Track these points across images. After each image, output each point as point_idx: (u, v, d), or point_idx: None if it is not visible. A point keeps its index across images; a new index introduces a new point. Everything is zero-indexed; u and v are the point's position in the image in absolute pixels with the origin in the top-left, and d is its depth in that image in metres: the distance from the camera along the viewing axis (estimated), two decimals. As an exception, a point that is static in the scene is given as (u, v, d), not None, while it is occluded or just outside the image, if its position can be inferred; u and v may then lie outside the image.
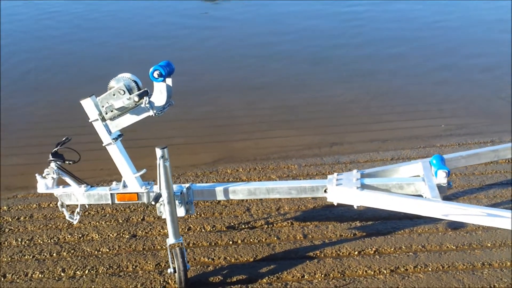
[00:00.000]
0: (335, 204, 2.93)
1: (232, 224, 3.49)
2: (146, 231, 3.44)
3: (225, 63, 7.01)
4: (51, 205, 3.82)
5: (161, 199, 2.77)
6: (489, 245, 3.21)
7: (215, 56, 7.29)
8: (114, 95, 2.68)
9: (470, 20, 8.72)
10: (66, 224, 3.55)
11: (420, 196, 2.88)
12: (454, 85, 5.90)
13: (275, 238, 3.32)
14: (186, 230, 3.43)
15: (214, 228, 3.45)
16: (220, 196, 2.96)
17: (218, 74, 6.61)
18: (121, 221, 3.57)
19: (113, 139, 2.81)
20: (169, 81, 2.68)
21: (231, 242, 3.30)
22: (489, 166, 4.04)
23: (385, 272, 3.00)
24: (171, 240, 2.83)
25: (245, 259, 3.14)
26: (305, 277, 2.97)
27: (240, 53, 7.40)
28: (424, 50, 7.22)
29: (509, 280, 2.91)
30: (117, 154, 2.83)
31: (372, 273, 3.00)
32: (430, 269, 3.02)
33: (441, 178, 2.82)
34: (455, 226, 3.36)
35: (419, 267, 3.04)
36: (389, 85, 5.97)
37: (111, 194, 2.93)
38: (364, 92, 5.81)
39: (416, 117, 5.10)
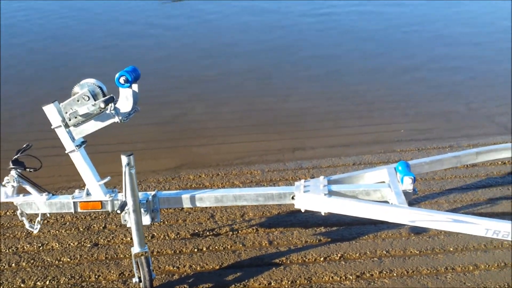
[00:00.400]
0: (303, 211, 2.93)
1: (197, 231, 3.44)
2: (109, 239, 3.36)
3: (186, 65, 6.94)
4: (7, 213, 3.69)
5: (126, 208, 2.71)
6: (451, 249, 3.26)
7: (176, 59, 7.20)
8: (78, 101, 2.61)
9: (439, 20, 8.87)
10: (24, 233, 3.44)
11: (387, 202, 2.91)
12: (414, 90, 5.98)
13: (241, 245, 3.30)
14: (149, 238, 3.37)
15: (178, 236, 3.40)
16: (187, 204, 2.91)
17: (179, 77, 6.53)
18: (82, 229, 3.48)
19: (77, 146, 2.73)
20: (135, 87, 2.62)
21: (196, 250, 3.25)
22: (449, 171, 4.11)
23: (351, 278, 3.01)
24: (136, 249, 2.77)
25: (211, 266, 3.10)
26: (272, 284, 2.95)
27: (201, 55, 7.34)
28: (387, 54, 7.31)
29: (472, 284, 2.96)
30: (81, 162, 2.76)
31: (339, 279, 3.00)
32: (395, 274, 3.05)
33: (407, 184, 2.85)
34: (418, 231, 3.40)
35: (384, 272, 3.06)
36: (350, 89, 6.01)
37: (74, 202, 2.84)
38: (325, 96, 5.84)
39: (376, 122, 5.16)
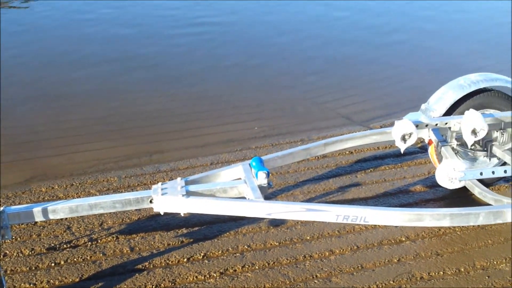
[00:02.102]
0: (162, 214, 2.91)
1: (53, 244, 3.29)
2: (-46, 263, 3.12)
3: (20, 72, 6.57)
4: None
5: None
6: (308, 238, 3.41)
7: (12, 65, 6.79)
8: None
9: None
10: None
11: (244, 198, 2.98)
12: (263, 89, 6.15)
13: (101, 255, 3.21)
14: (1, 256, 3.17)
15: (33, 251, 3.23)
16: (39, 217, 2.78)
17: (16, 84, 6.16)
18: None
19: None
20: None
21: (53, 264, 3.11)
22: (302, 164, 4.29)
23: (215, 275, 3.05)
24: (-14, 270, 2.59)
25: (70, 280, 2.99)
26: (136, 291, 2.91)
27: (40, 61, 6.99)
28: (237, 55, 7.44)
29: (329, 268, 3.12)
30: None
31: (203, 278, 3.03)
32: (257, 267, 3.13)
33: (262, 179, 2.94)
34: (277, 223, 3.52)
35: (247, 266, 3.13)
36: (201, 91, 6.05)
37: None
38: (178, 98, 5.83)
39: (230, 121, 5.24)
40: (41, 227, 3.46)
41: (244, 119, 5.29)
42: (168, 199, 2.80)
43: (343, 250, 3.30)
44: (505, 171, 2.93)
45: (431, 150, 3.81)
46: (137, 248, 3.28)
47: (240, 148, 4.65)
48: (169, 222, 3.53)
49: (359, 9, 9.97)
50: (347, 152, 4.50)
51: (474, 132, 3.34)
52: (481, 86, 3.64)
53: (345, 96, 5.91)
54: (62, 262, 3.13)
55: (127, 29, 8.49)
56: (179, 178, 3.00)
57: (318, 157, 4.40)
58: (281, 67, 6.90)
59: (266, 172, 2.96)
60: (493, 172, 2.94)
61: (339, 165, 4.33)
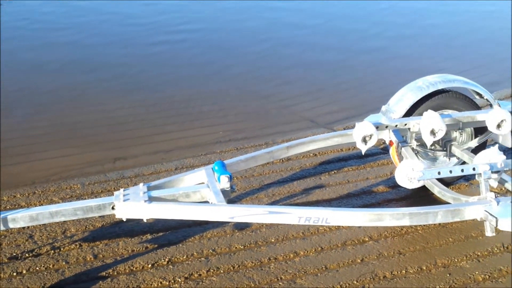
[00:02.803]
0: (124, 220, 2.90)
1: (15, 254, 3.25)
2: None
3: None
4: None
5: None
6: (273, 240, 3.42)
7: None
8: None
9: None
10: None
11: (207, 202, 2.99)
12: (229, 93, 6.17)
13: (64, 263, 3.17)
14: (-39, 268, 3.12)
15: (-6, 262, 3.18)
16: (-2, 227, 2.74)
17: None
18: None
19: None
20: None
21: (15, 274, 3.07)
22: (266, 167, 4.32)
23: (179, 280, 3.04)
24: None
25: (33, 289, 2.96)
26: (100, 298, 2.89)
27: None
28: (197, 57, 7.45)
29: (293, 270, 3.14)
30: None
31: (167, 283, 3.02)
32: (222, 271, 3.14)
33: (224, 183, 2.95)
34: (241, 227, 3.53)
35: (212, 270, 3.14)
36: (168, 96, 6.04)
37: None
38: (144, 104, 5.80)
39: (195, 125, 5.25)
40: (3, 236, 3.41)
41: (209, 124, 5.30)
42: (130, 205, 2.79)
43: (307, 251, 3.33)
44: (462, 170, 2.99)
45: (392, 151, 3.86)
46: (101, 255, 3.25)
47: (205, 152, 4.65)
48: (133, 228, 3.52)
49: (332, 15, 10.07)
50: (311, 155, 4.54)
51: (432, 132, 3.40)
52: (439, 87, 3.71)
53: (310, 100, 5.96)
54: (24, 271, 3.09)
55: (96, 38, 8.41)
56: (141, 184, 2.99)
57: (282, 160, 4.43)
58: (247, 71, 6.93)
59: (229, 176, 2.97)
60: (450, 172, 2.99)
61: (304, 167, 4.37)
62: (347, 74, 6.82)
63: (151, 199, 2.84)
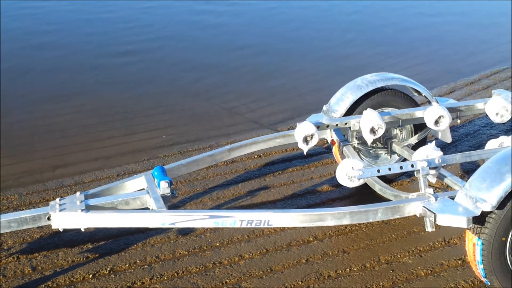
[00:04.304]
0: (61, 230, 2.81)
1: None
2: None
3: None
4: None
5: None
6: (218, 244, 3.39)
7: None
8: None
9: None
10: None
11: (147, 208, 2.93)
12: (171, 97, 6.09)
13: (0, 277, 3.06)
14: None
15: None
16: None
17: None
18: None
19: None
20: None
21: None
22: (211, 170, 4.27)
23: (122, 290, 2.98)
24: None
25: (-33, 307, 2.84)
26: (38, 312, 2.79)
27: None
28: (152, 61, 7.34)
29: (238, 274, 3.11)
30: None
31: (109, 293, 2.95)
32: (165, 278, 3.08)
33: (164, 188, 2.90)
34: (186, 232, 3.48)
35: (155, 278, 3.08)
36: (109, 101, 5.91)
37: None
38: (84, 110, 5.66)
39: (138, 130, 5.15)
40: None
41: (151, 128, 5.20)
42: (67, 215, 2.71)
43: (252, 254, 3.31)
44: (401, 167, 3.02)
45: (335, 150, 3.89)
46: (40, 267, 3.15)
47: (147, 157, 4.58)
48: (73, 238, 3.42)
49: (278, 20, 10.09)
50: (256, 156, 4.52)
51: (372, 130, 3.44)
52: (378, 85, 3.75)
53: (254, 100, 5.94)
54: (-42, 288, 2.97)
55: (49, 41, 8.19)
56: (78, 193, 2.91)
57: (227, 163, 4.40)
58: (190, 74, 6.86)
59: (169, 181, 2.92)
60: (389, 169, 3.02)
61: (248, 169, 4.35)
62: (290, 75, 6.82)
63: (88, 208, 2.76)
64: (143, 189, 3.09)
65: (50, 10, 10.11)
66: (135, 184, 3.13)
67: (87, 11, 10.01)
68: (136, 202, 2.90)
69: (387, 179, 3.95)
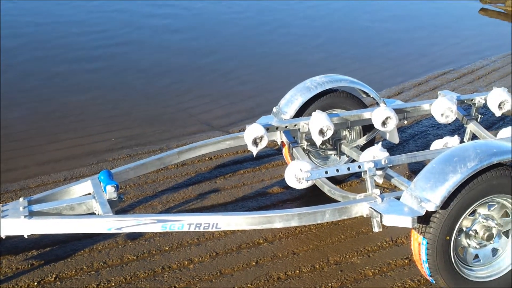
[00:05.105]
0: (3, 237, 2.73)
1: None
2: None
3: None
4: None
5: None
6: (167, 248, 3.36)
7: None
8: None
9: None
10: None
11: (94, 213, 2.87)
12: (120, 98, 5.99)
13: None
14: None
15: None
16: None
17: None
18: None
19: None
20: None
21: None
22: (161, 173, 4.23)
23: (68, 297, 2.92)
24: None
25: None
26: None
27: None
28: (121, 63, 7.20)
29: (188, 278, 3.09)
30: None
31: (55, 301, 2.88)
32: (113, 284, 3.04)
33: (111, 192, 2.85)
34: (134, 236, 3.43)
35: (102, 284, 3.03)
36: (56, 104, 5.77)
37: None
38: (31, 112, 5.51)
39: (86, 133, 5.04)
40: None
41: (101, 131, 5.10)
42: (9, 221, 2.63)
43: (202, 258, 3.29)
44: (348, 169, 3.05)
45: (285, 151, 3.90)
46: (-18, 276, 3.06)
47: (96, 161, 4.49)
48: (17, 244, 3.33)
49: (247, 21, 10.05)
50: (207, 158, 4.50)
51: (321, 132, 3.46)
52: (327, 87, 3.78)
53: (206, 102, 5.91)
54: None
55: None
56: (21, 198, 2.83)
57: (177, 165, 4.36)
58: (141, 76, 6.77)
59: (115, 185, 2.87)
60: (337, 170, 3.04)
61: (199, 172, 4.32)
62: (244, 76, 6.81)
63: (31, 214, 2.69)
64: (89, 193, 3.03)
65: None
66: (81, 188, 3.07)
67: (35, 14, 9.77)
68: (82, 207, 2.85)
69: (337, 180, 4.00)
